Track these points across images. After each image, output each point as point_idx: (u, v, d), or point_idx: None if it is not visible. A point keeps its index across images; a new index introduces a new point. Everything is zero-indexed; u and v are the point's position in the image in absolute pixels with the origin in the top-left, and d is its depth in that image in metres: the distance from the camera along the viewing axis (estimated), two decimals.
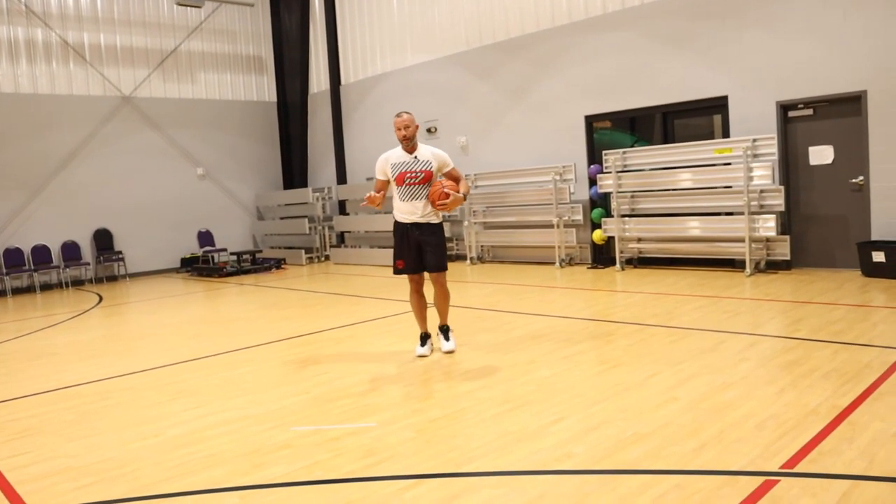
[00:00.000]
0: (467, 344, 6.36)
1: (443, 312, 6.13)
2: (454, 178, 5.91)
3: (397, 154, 5.84)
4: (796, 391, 4.38)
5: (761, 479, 3.17)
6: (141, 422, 4.75)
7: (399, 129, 5.76)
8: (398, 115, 5.82)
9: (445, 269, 5.91)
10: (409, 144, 5.79)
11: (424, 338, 6.09)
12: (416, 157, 5.79)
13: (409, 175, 5.76)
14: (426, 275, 6.01)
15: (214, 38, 16.84)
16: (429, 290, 6.07)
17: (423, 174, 5.76)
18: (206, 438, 4.29)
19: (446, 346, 6.09)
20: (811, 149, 9.46)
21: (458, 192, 5.68)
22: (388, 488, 3.38)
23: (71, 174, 14.53)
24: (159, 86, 15.89)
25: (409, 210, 5.82)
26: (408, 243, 5.84)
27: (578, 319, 7.27)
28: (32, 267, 13.89)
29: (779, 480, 3.14)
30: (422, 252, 5.84)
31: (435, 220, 5.90)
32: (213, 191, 16.76)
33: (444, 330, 6.18)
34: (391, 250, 6.17)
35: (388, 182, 5.87)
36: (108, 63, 15.14)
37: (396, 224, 5.94)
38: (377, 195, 5.57)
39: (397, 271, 5.93)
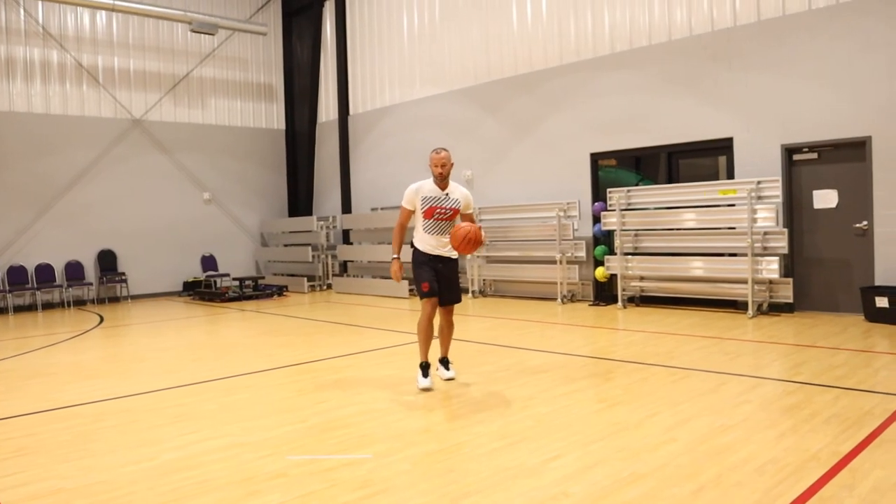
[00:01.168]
0: (466, 378, 6.33)
1: (447, 344, 6.27)
2: (469, 221, 6.05)
3: (429, 188, 5.93)
4: (797, 436, 4.35)
5: None
6: (136, 445, 4.72)
7: (437, 166, 5.88)
8: (437, 151, 5.91)
9: (460, 301, 6.16)
10: (444, 182, 5.93)
11: (426, 367, 6.01)
12: (447, 195, 5.93)
13: (438, 210, 5.89)
14: (441, 308, 6.09)
15: (226, 64, 17.04)
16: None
17: (451, 211, 5.93)
18: (201, 464, 4.26)
19: (447, 374, 6.21)
20: (815, 192, 9.49)
21: (481, 239, 5.73)
22: None
23: (78, 194, 14.62)
24: (170, 110, 16.04)
25: (435, 244, 5.93)
26: (432, 271, 5.92)
27: (578, 356, 7.24)
28: (35, 285, 13.90)
29: None
30: (443, 284, 5.95)
31: (455, 256, 6.04)
32: (219, 216, 16.83)
33: (446, 361, 6.29)
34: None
35: (412, 213, 5.99)
36: (121, 86, 15.31)
37: (419, 252, 6.00)
38: (400, 272, 6.03)
39: (425, 294, 5.87)
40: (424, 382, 5.92)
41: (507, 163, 13.14)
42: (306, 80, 17.53)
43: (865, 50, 8.85)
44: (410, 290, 12.98)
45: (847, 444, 4.16)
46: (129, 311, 13.39)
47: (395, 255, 6.03)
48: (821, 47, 9.19)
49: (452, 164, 5.96)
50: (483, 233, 5.80)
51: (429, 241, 5.92)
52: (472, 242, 5.63)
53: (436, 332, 6.19)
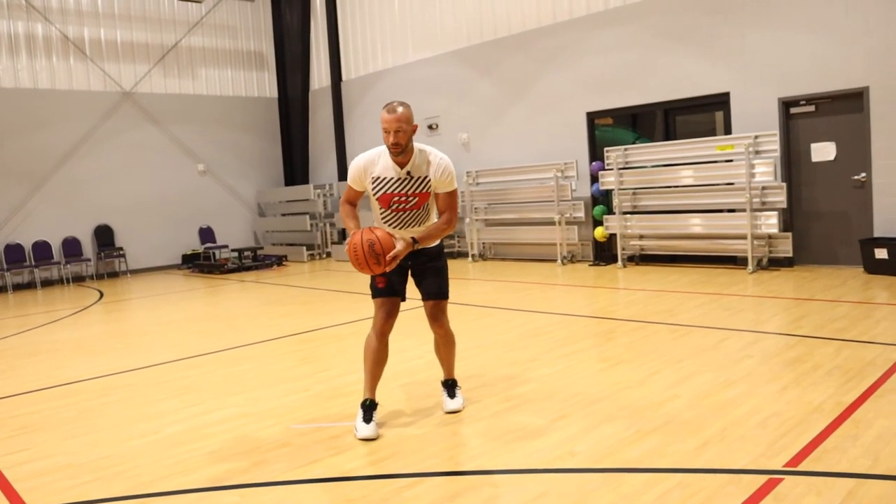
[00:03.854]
0: (469, 342, 6.33)
1: (449, 362, 4.47)
2: (441, 209, 4.12)
3: (383, 164, 3.99)
4: (799, 388, 4.36)
5: (765, 477, 3.15)
6: (141, 419, 4.73)
7: (387, 133, 3.85)
8: (388, 109, 3.88)
9: (447, 296, 4.28)
10: (400, 154, 3.91)
11: (370, 408, 4.10)
12: (408, 174, 3.97)
13: (397, 199, 4.02)
14: (426, 312, 4.28)
15: (215, 33, 16.80)
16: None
17: (416, 199, 4.02)
18: (206, 436, 4.27)
19: (452, 404, 4.42)
20: (813, 145, 9.42)
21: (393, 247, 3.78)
22: (388, 487, 3.36)
23: (71, 170, 14.50)
24: (160, 81, 15.85)
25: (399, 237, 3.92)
26: (396, 267, 4.00)
27: (580, 317, 7.24)
28: (33, 263, 13.86)
29: (783, 479, 3.11)
30: (417, 273, 4.23)
31: (432, 245, 4.16)
32: (215, 187, 16.73)
33: (451, 385, 4.50)
34: None
35: (360, 194, 4.14)
36: (109, 58, 15.10)
37: None
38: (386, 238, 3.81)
39: (378, 291, 4.09)
40: (364, 430, 4.01)
41: (502, 124, 13.02)
42: (297, 47, 17.30)
43: (861, 0, 8.72)
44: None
45: (850, 395, 4.17)
46: (128, 285, 13.38)
47: (354, 231, 3.91)
48: None
49: (415, 128, 3.93)
50: (444, 223, 4.06)
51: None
52: (361, 259, 3.75)
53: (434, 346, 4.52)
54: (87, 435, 4.47)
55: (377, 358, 4.11)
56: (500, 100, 12.99)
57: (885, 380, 4.42)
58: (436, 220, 4.18)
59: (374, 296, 4.11)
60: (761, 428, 3.75)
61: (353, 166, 4.05)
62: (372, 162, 4.01)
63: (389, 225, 4.10)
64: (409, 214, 4.07)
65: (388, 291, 4.07)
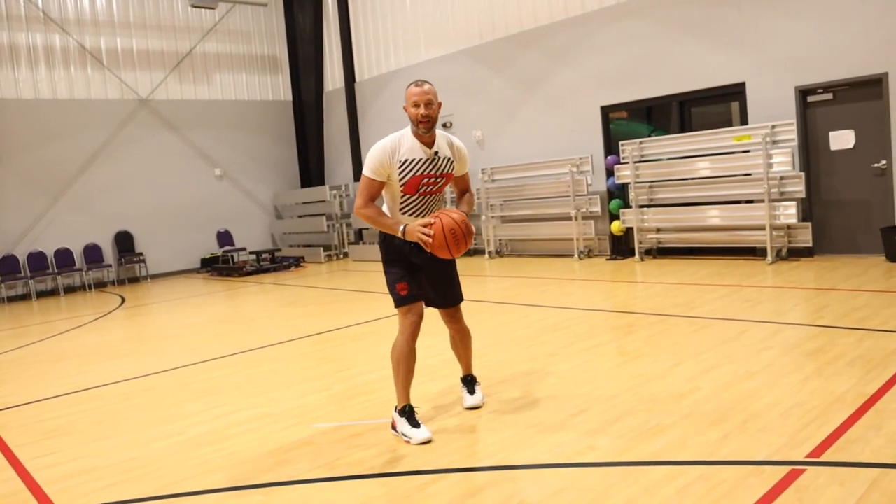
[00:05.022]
0: (486, 339, 6.34)
1: (467, 357, 4.48)
2: (463, 189, 4.22)
3: (408, 146, 3.87)
4: (821, 379, 4.33)
5: (787, 468, 3.13)
6: (164, 421, 4.79)
7: (417, 106, 3.81)
8: (417, 84, 3.87)
9: (462, 300, 4.31)
10: (429, 131, 3.88)
11: (412, 413, 4.03)
12: (436, 153, 3.92)
13: (426, 180, 3.91)
14: (442, 314, 4.31)
15: (229, 38, 16.92)
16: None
17: (443, 179, 3.98)
18: (228, 437, 4.32)
19: (472, 400, 4.42)
20: (832, 133, 9.33)
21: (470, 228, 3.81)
22: (409, 483, 3.38)
23: (91, 178, 14.67)
24: (176, 88, 15.99)
25: None
26: (411, 266, 4.01)
27: (598, 311, 7.23)
28: (56, 270, 14.05)
29: (805, 469, 3.10)
30: (433, 282, 4.15)
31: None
32: (232, 191, 16.85)
33: (471, 381, 4.50)
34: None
35: (383, 186, 3.94)
36: (125, 66, 15.26)
37: (390, 243, 4.01)
38: (425, 228, 3.74)
39: (402, 300, 3.96)
40: (417, 435, 3.92)
41: (517, 121, 13.01)
42: (310, 50, 17.38)
43: None
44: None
45: (872, 384, 4.14)
46: (149, 290, 13.52)
47: (402, 226, 3.83)
48: None
49: (440, 105, 3.93)
50: (471, 200, 4.17)
51: None
52: (460, 238, 3.74)
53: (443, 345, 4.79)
54: (112, 438, 4.53)
55: (409, 365, 4.01)
56: (514, 96, 12.97)
57: None
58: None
59: (398, 304, 3.99)
60: (783, 419, 3.73)
61: (378, 152, 3.84)
62: (397, 145, 3.86)
63: (413, 214, 3.98)
64: (434, 199, 4.01)
65: (412, 298, 3.98)
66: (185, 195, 15.96)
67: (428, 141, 3.89)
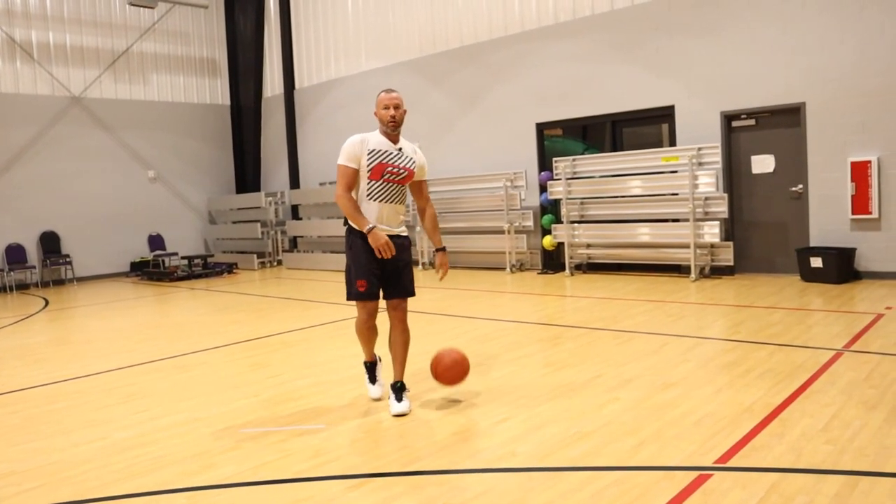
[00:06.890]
0: (417, 348, 6.41)
1: (403, 360, 4.67)
2: (423, 201, 4.80)
3: (377, 140, 4.48)
4: (733, 390, 4.56)
5: (696, 473, 3.31)
6: (88, 425, 4.71)
7: (387, 108, 4.45)
8: (387, 91, 4.53)
9: (413, 294, 4.65)
10: (396, 131, 4.51)
11: (372, 368, 4.84)
12: (400, 150, 4.52)
13: (390, 169, 4.44)
14: (389, 306, 4.64)
15: (167, 39, 16.65)
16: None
17: (405, 172, 4.50)
18: (154, 441, 4.28)
19: (399, 407, 4.51)
20: (753, 158, 9.77)
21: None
22: (333, 488, 3.43)
23: (17, 175, 14.20)
24: (110, 87, 15.64)
25: (388, 214, 4.49)
26: (375, 260, 4.42)
27: (527, 323, 7.40)
28: None
29: (712, 474, 3.28)
30: (389, 273, 4.53)
31: (406, 233, 4.68)
32: (165, 194, 16.54)
33: (400, 388, 4.59)
34: (343, 255, 5.13)
35: (357, 172, 4.42)
36: (58, 62, 14.85)
37: (355, 233, 4.47)
38: (387, 242, 4.34)
39: (361, 296, 4.43)
40: (370, 391, 4.83)
41: (454, 134, 13.18)
42: (250, 55, 17.24)
43: (796, 20, 9.08)
44: None
45: (779, 396, 4.38)
46: (75, 293, 13.15)
47: (370, 225, 4.34)
48: (755, 18, 9.41)
49: (405, 112, 4.60)
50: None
51: (372, 213, 4.43)
52: (461, 372, 4.58)
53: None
54: (31, 442, 4.44)
55: (370, 334, 4.66)
56: (452, 110, 13.14)
57: (812, 381, 4.65)
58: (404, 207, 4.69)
59: (355, 298, 4.48)
60: (695, 427, 3.92)
61: (350, 142, 4.45)
62: (367, 139, 4.49)
63: (376, 200, 4.45)
64: (395, 189, 4.50)
65: (368, 295, 4.46)
66: (116, 197, 15.59)
67: (394, 139, 4.54)
